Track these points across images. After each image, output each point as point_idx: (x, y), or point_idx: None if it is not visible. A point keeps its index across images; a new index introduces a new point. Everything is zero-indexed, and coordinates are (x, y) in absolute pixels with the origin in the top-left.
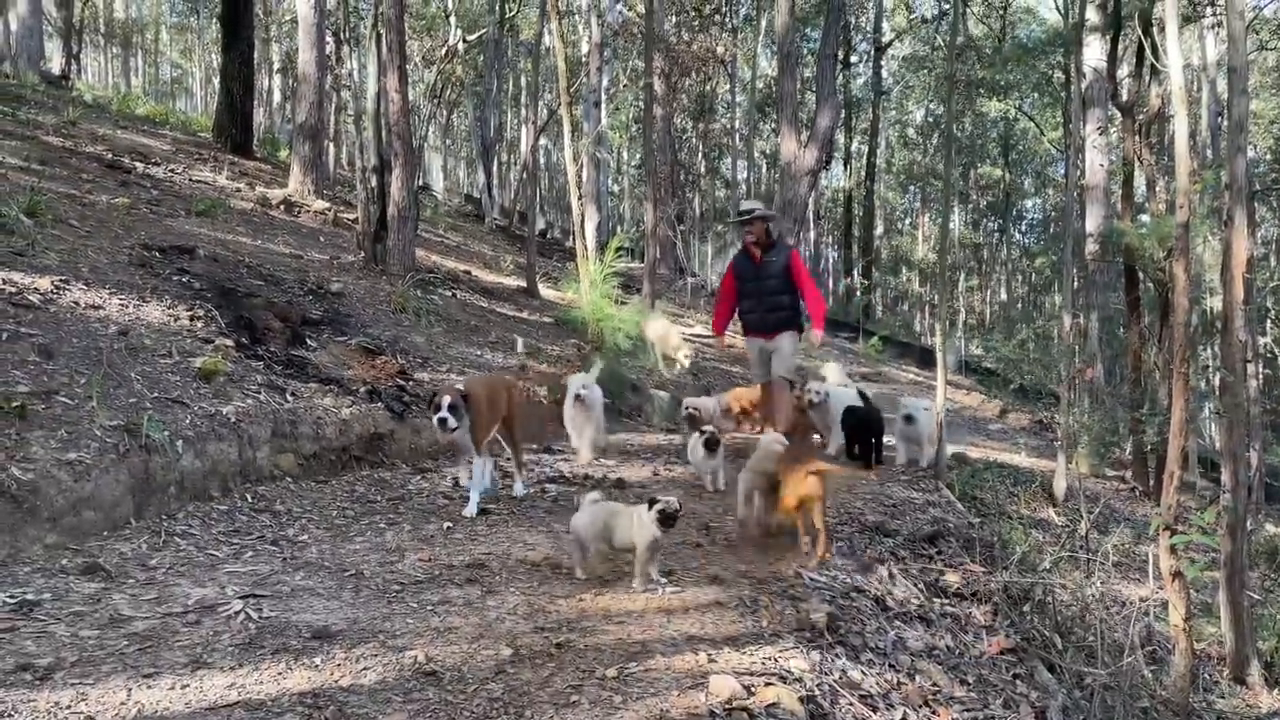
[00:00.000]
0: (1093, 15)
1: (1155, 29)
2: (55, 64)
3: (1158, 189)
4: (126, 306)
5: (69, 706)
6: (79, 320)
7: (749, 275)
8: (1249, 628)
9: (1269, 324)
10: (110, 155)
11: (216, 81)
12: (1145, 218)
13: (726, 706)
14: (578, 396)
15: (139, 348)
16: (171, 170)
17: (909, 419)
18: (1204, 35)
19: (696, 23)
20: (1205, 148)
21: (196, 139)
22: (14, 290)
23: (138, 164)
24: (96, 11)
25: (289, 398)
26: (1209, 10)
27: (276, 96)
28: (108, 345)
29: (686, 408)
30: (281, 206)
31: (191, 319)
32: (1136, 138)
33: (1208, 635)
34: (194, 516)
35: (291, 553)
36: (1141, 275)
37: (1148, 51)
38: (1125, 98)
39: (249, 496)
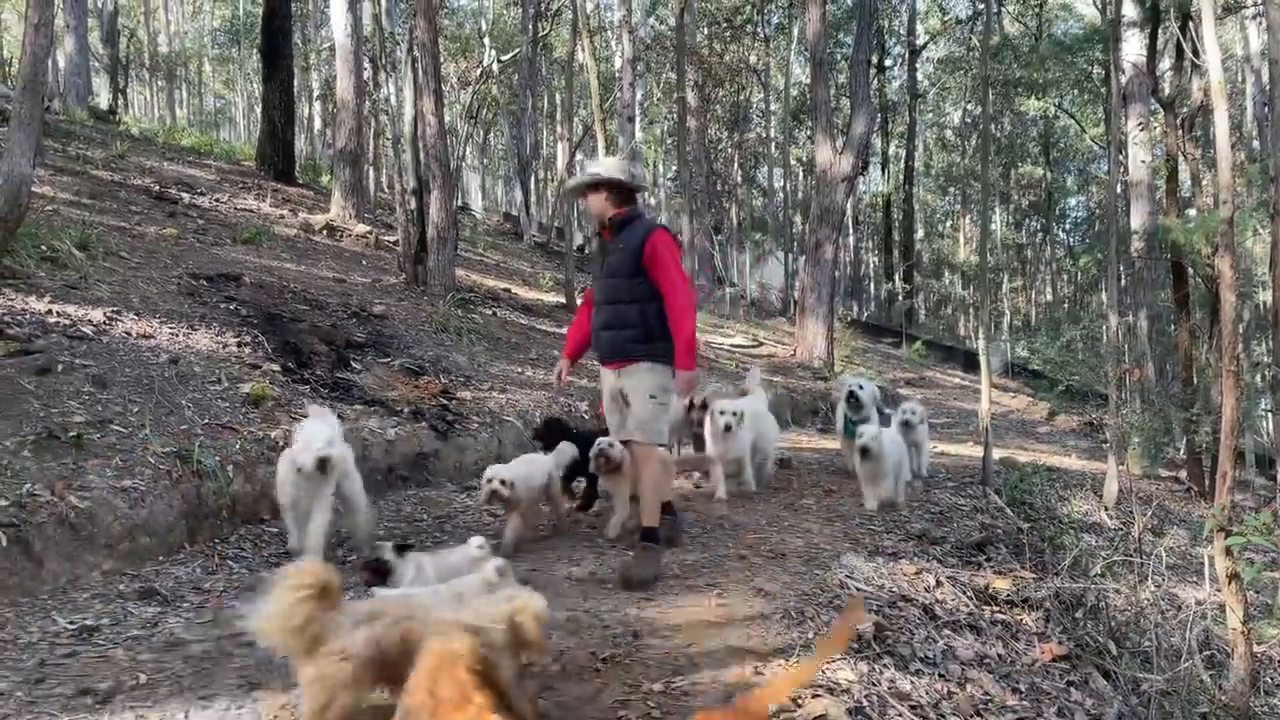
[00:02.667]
0: (1130, 10)
1: (1194, 22)
2: (103, 99)
3: (1204, 183)
4: (176, 335)
5: None
6: (131, 350)
7: (595, 268)
8: None
9: None
10: (158, 187)
11: (258, 110)
12: (1192, 213)
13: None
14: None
15: (189, 375)
16: (217, 199)
17: (865, 451)
18: (1245, 26)
19: (728, 33)
20: (1251, 139)
21: (240, 167)
22: (68, 323)
23: (184, 194)
24: (141, 47)
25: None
26: (1250, 0)
27: (317, 123)
28: (159, 374)
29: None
30: (324, 231)
31: (239, 345)
32: (1180, 132)
33: (1268, 638)
34: (245, 540)
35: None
36: (1190, 271)
37: (1186, 46)
38: (1167, 92)
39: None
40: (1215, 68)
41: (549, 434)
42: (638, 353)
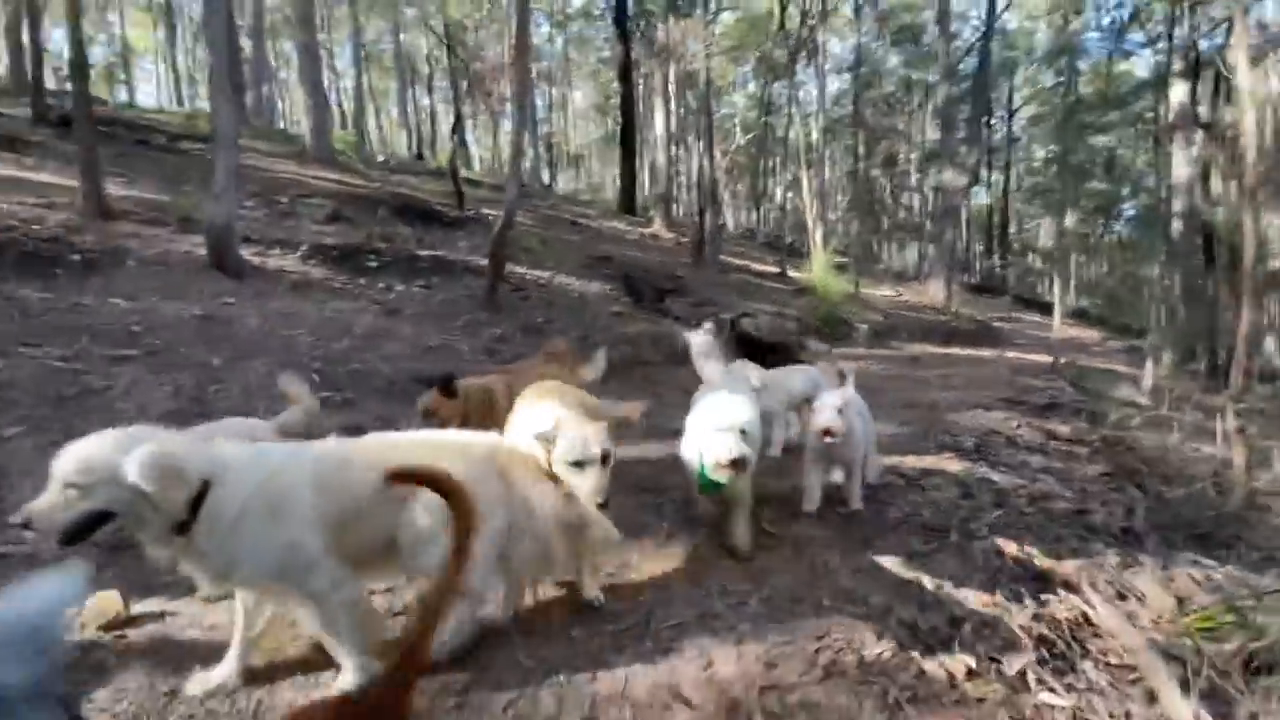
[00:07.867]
0: (1177, 64)
1: (1228, 71)
2: (545, 177)
3: (1230, 185)
4: (581, 283)
5: None
6: (561, 290)
7: None
8: None
9: None
10: (571, 218)
11: (618, 178)
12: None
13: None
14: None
15: (588, 302)
16: (600, 223)
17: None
18: (1268, 72)
19: (885, 108)
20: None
21: (610, 208)
22: (534, 277)
23: (583, 220)
24: (562, 149)
25: (657, 325)
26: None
27: (647, 180)
28: (575, 301)
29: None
30: (651, 237)
31: (610, 289)
32: (1215, 144)
33: (1263, 479)
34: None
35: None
36: (1217, 242)
37: (1222, 88)
38: (1203, 119)
39: (638, 375)
40: (1247, 98)
41: None
42: None
